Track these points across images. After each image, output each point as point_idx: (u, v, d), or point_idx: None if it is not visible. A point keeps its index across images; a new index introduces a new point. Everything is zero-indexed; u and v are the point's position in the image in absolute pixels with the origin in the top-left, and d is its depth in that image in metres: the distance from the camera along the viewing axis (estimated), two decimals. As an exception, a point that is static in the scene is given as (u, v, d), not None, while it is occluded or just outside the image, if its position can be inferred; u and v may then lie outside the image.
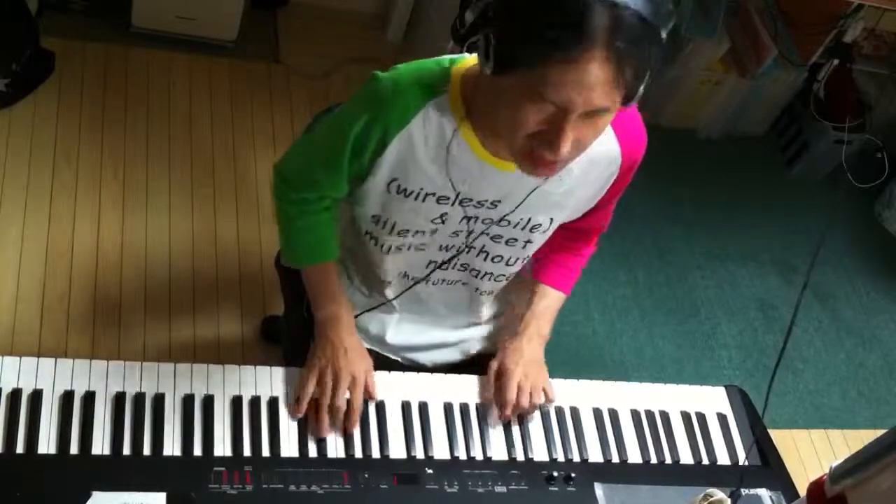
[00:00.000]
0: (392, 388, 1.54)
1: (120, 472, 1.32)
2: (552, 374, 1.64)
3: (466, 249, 1.55)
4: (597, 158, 1.43)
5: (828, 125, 3.42)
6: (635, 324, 2.95)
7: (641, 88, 1.21)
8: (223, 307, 2.53)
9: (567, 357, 2.76)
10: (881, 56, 3.53)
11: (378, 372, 1.55)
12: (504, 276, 1.62)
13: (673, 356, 2.91)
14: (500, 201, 1.44)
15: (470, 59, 1.36)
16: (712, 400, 1.69)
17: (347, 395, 1.48)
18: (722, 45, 3.25)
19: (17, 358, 1.40)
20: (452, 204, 1.44)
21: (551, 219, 1.51)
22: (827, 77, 3.40)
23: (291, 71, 3.14)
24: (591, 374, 1.96)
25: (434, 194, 1.43)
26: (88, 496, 1.27)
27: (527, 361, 1.58)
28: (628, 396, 1.65)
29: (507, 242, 1.53)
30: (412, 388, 1.55)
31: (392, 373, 1.56)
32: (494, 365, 1.59)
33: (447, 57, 1.40)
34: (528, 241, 1.54)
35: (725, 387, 1.72)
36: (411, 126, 1.36)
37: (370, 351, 1.70)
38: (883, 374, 3.12)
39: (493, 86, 1.24)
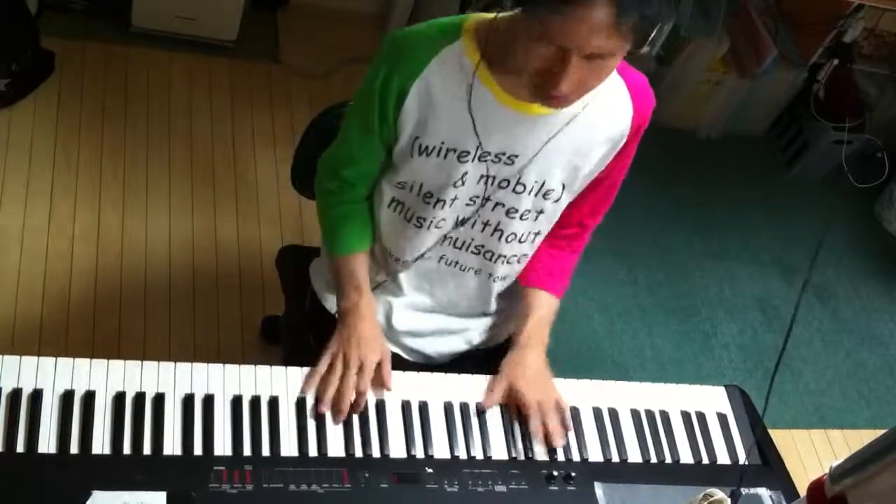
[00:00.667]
0: (392, 387, 1.53)
1: (120, 472, 1.32)
2: (552, 374, 1.64)
3: (482, 227, 1.56)
4: (609, 110, 1.48)
5: (828, 125, 3.42)
6: (635, 324, 2.95)
7: (651, 37, 1.25)
8: (223, 307, 2.53)
9: (567, 357, 2.76)
10: (881, 56, 3.53)
11: (381, 371, 1.56)
12: (517, 257, 1.63)
13: (673, 356, 2.91)
14: (517, 156, 1.47)
15: (481, 15, 1.43)
16: (712, 400, 1.69)
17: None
18: (722, 45, 3.25)
19: (17, 358, 1.40)
20: (472, 160, 1.46)
21: (563, 185, 1.53)
22: (827, 77, 3.40)
23: (291, 71, 3.14)
24: (591, 374, 1.96)
25: (455, 150, 1.46)
26: (88, 496, 1.27)
27: (533, 373, 1.58)
28: (628, 396, 1.65)
29: (521, 217, 1.55)
30: (412, 387, 1.55)
31: (392, 372, 1.56)
32: (502, 385, 1.56)
33: (462, 15, 1.46)
34: (541, 212, 1.55)
35: (725, 387, 1.72)
36: (427, 72, 1.41)
37: None
38: (883, 374, 3.12)
39: (505, 29, 1.34)
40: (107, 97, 2.89)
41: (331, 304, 1.73)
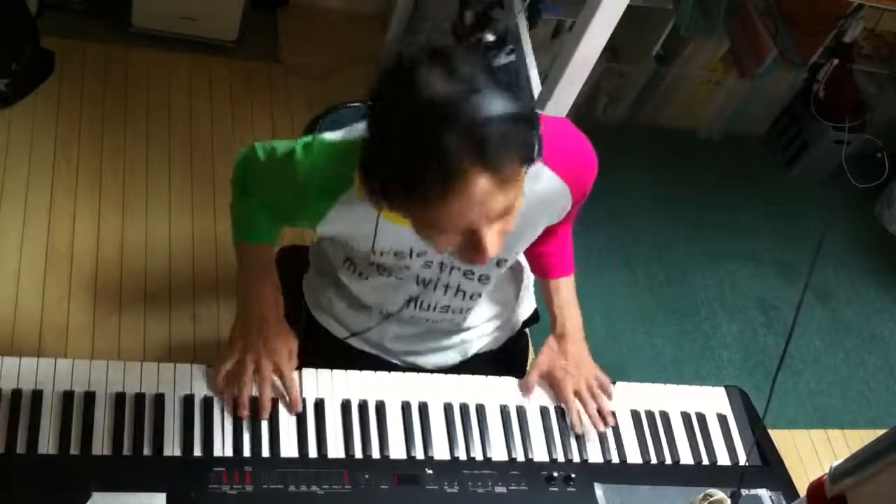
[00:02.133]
0: (392, 388, 1.54)
1: (120, 472, 1.32)
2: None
3: (444, 290, 1.54)
4: (545, 198, 1.44)
5: (828, 125, 3.42)
6: (635, 324, 2.95)
7: (535, 152, 1.18)
8: (223, 307, 2.53)
9: (567, 357, 2.76)
10: (881, 56, 3.53)
11: (378, 372, 1.55)
12: (479, 295, 1.61)
13: (673, 356, 2.91)
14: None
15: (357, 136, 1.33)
16: (712, 400, 1.69)
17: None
18: (722, 45, 3.25)
19: (17, 358, 1.40)
20: (410, 257, 1.45)
21: (515, 252, 1.53)
22: (827, 77, 3.40)
23: (291, 71, 3.14)
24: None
25: (389, 251, 1.43)
26: (88, 496, 1.27)
27: (573, 363, 1.62)
28: (628, 396, 1.65)
29: (479, 280, 1.54)
30: (412, 388, 1.55)
31: (392, 373, 1.56)
32: (536, 372, 1.61)
33: (347, 135, 1.37)
34: (494, 275, 1.55)
35: (725, 387, 1.72)
36: (331, 215, 1.37)
37: (371, 356, 1.71)
38: (883, 374, 3.11)
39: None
40: (107, 97, 2.89)
41: (326, 322, 1.71)
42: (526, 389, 1.60)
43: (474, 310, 1.66)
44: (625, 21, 2.15)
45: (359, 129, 1.31)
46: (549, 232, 1.58)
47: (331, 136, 1.38)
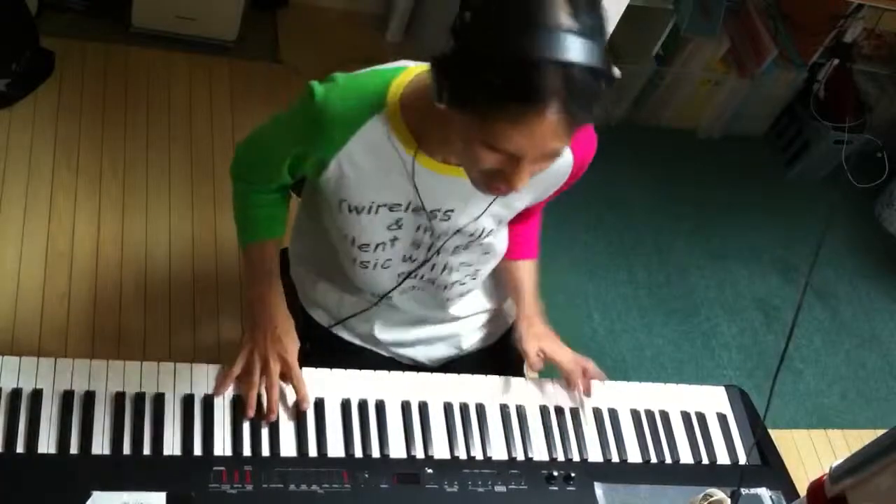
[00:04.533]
0: (392, 387, 1.54)
1: (120, 472, 1.32)
2: (552, 375, 1.65)
3: (430, 266, 1.55)
4: (552, 169, 1.43)
5: (828, 125, 3.42)
6: (635, 324, 2.95)
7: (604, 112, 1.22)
8: (223, 307, 2.53)
9: (567, 357, 2.76)
10: (881, 56, 3.53)
11: (378, 372, 1.55)
12: (468, 281, 1.62)
13: (673, 356, 2.91)
14: (452, 211, 1.44)
15: (412, 69, 1.36)
16: (712, 400, 1.69)
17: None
18: (722, 45, 3.25)
19: (17, 358, 1.40)
20: (405, 210, 1.44)
21: (504, 221, 1.53)
22: (827, 77, 3.41)
23: (291, 71, 3.14)
24: (591, 374, 1.96)
25: (385, 204, 1.43)
26: (88, 496, 1.27)
27: (549, 338, 1.66)
28: (628, 396, 1.65)
29: (465, 248, 1.53)
30: (412, 388, 1.55)
31: (392, 372, 1.56)
32: (533, 349, 1.64)
33: (391, 66, 1.38)
34: (482, 246, 1.55)
35: (725, 387, 1.72)
36: (350, 145, 1.36)
37: (363, 350, 1.71)
38: (883, 374, 3.12)
39: (446, 117, 1.22)
40: (107, 97, 2.88)
41: (318, 315, 1.72)
42: (531, 366, 1.64)
43: (464, 299, 1.66)
44: (625, 21, 2.15)
45: (379, 67, 1.36)
46: (524, 213, 1.59)
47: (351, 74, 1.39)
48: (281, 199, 1.60)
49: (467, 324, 1.73)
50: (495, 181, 1.24)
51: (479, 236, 1.51)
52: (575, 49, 1.11)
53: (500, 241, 1.59)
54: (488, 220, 1.49)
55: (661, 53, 3.29)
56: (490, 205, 1.44)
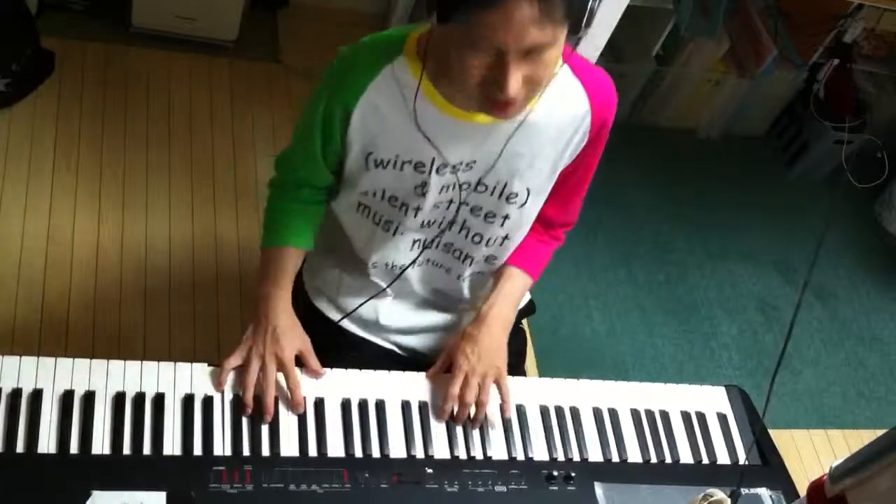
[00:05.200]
0: (392, 387, 1.54)
1: (120, 472, 1.32)
2: (552, 374, 1.64)
3: (448, 226, 1.56)
4: (565, 112, 1.46)
5: (828, 125, 3.42)
6: (635, 324, 2.95)
7: (585, 13, 1.22)
8: (223, 307, 2.53)
9: (567, 357, 2.76)
10: (881, 56, 3.53)
11: (378, 372, 1.55)
12: (485, 258, 1.63)
13: (673, 356, 2.91)
14: (475, 161, 1.46)
15: (425, 28, 1.40)
16: (712, 400, 1.69)
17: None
18: (722, 45, 3.25)
19: (17, 358, 1.40)
20: (431, 171, 1.46)
21: (527, 189, 1.52)
22: (827, 77, 3.40)
23: (291, 71, 3.14)
24: (591, 374, 1.96)
25: (410, 161, 1.45)
26: (88, 496, 1.27)
27: (484, 349, 1.55)
28: (628, 396, 1.65)
29: (485, 217, 1.55)
30: (412, 388, 1.55)
31: (392, 372, 1.56)
32: (444, 354, 1.58)
33: (410, 25, 1.44)
34: (507, 217, 1.55)
35: (725, 387, 1.72)
36: (370, 92, 1.40)
37: (366, 341, 1.71)
38: (883, 374, 3.12)
39: (441, 40, 1.29)
40: (107, 97, 2.89)
41: (322, 306, 1.73)
42: (431, 376, 1.55)
43: (474, 288, 1.67)
44: (625, 21, 2.15)
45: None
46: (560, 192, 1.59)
47: None
48: (314, 213, 1.62)
49: (470, 317, 1.73)
50: (490, 91, 1.27)
51: (508, 199, 1.52)
52: None
53: (525, 220, 1.59)
54: (518, 184, 1.49)
55: (662, 53, 3.29)
56: (507, 142, 1.44)
